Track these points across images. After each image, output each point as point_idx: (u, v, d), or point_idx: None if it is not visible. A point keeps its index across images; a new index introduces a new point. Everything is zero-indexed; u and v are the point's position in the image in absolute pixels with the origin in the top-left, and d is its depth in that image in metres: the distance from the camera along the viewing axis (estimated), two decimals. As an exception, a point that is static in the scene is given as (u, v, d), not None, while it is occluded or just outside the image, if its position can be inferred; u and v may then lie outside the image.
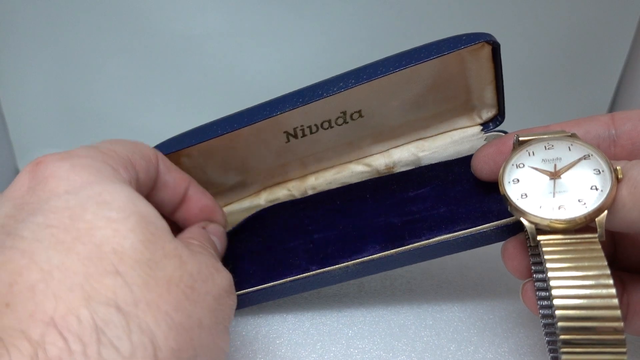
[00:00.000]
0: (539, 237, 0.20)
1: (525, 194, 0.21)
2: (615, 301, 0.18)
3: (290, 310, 0.31)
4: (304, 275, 0.28)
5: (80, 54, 0.42)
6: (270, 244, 0.31)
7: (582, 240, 0.19)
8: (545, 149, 0.22)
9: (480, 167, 0.26)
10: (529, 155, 0.22)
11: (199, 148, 0.31)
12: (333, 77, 0.28)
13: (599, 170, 0.20)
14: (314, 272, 0.28)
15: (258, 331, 0.29)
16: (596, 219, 0.19)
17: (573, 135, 0.22)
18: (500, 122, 0.31)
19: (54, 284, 0.16)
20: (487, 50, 0.28)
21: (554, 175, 0.21)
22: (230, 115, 0.29)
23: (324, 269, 0.28)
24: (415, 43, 0.28)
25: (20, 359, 0.14)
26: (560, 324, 0.18)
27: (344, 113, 0.31)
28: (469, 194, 0.28)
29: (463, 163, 0.31)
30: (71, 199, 0.18)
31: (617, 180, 0.19)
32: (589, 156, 0.21)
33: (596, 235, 0.19)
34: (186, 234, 0.25)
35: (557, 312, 0.18)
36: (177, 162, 0.31)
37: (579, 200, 0.20)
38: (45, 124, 0.45)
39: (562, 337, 0.18)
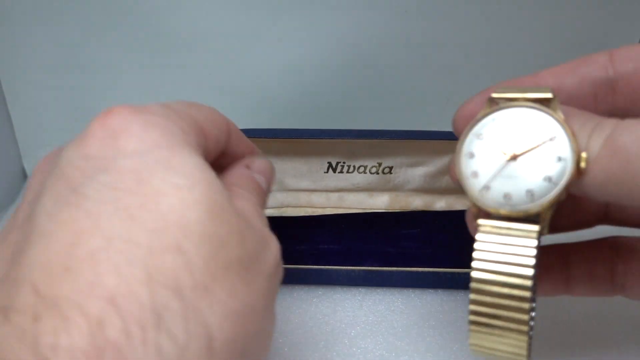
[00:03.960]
0: (479, 221, 0.19)
1: (476, 173, 0.19)
2: (529, 282, 0.18)
3: (291, 309, 0.31)
4: (308, 267, 0.32)
5: (86, 53, 0.42)
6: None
7: (521, 232, 0.18)
8: (511, 119, 0.20)
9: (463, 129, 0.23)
10: (492, 121, 0.20)
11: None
12: (387, 129, 0.34)
13: (559, 158, 0.18)
14: (321, 266, 0.32)
15: (260, 330, 0.29)
16: (540, 214, 0.18)
17: (552, 100, 0.19)
18: None
19: (115, 255, 0.15)
20: None
21: (510, 157, 0.19)
22: (300, 129, 0.34)
23: (331, 267, 0.31)
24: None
25: (78, 337, 0.13)
26: (472, 295, 0.19)
27: (379, 164, 0.36)
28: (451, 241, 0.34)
29: (448, 215, 0.36)
30: (139, 160, 0.17)
31: (577, 173, 0.17)
32: (554, 139, 0.18)
33: (536, 228, 0.18)
34: (229, 177, 0.22)
35: (472, 284, 0.19)
36: None
37: (527, 191, 0.18)
38: (51, 123, 0.45)
39: (471, 307, 0.19)
